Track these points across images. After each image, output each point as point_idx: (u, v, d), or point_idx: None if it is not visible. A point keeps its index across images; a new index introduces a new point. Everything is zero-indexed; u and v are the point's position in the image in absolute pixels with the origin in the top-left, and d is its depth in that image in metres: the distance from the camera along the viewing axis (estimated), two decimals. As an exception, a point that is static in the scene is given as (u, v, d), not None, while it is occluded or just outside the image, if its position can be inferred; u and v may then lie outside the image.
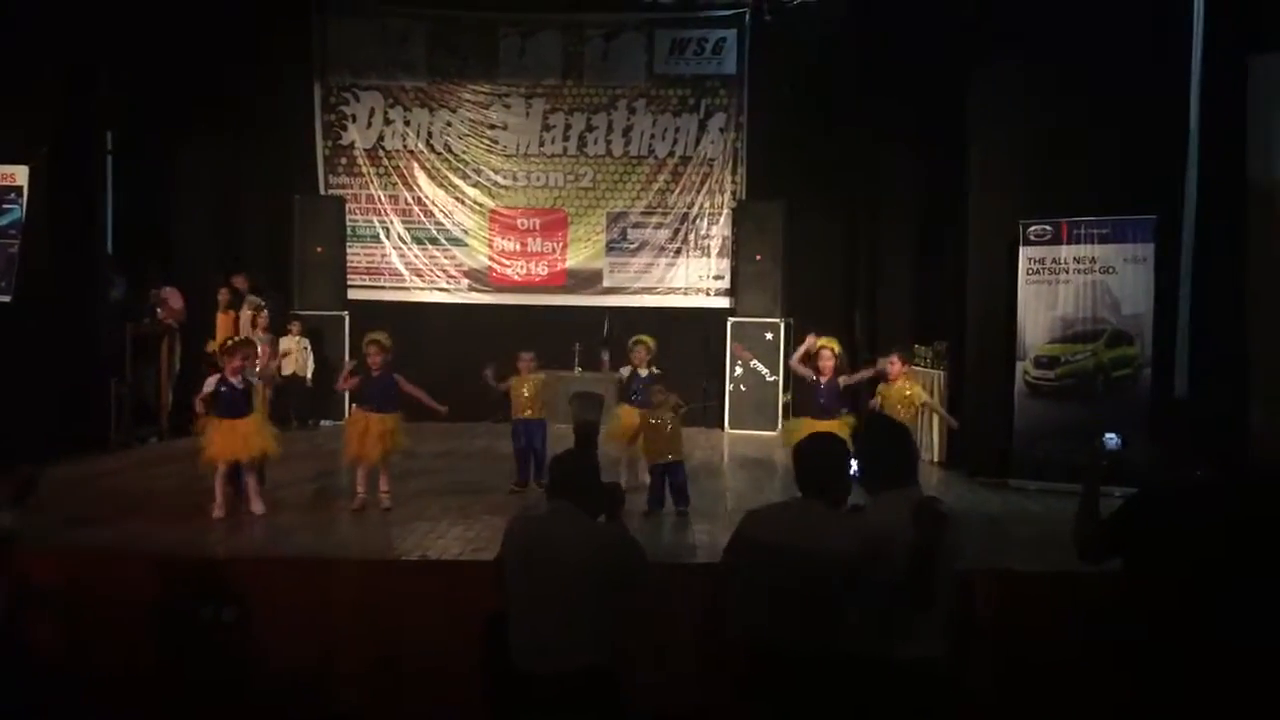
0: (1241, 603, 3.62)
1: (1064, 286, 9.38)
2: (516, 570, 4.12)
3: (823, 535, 3.82)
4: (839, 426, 7.60)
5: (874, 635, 3.81)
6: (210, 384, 7.85)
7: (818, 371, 8.62)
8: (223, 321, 12.17)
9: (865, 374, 9.11)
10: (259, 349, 8.96)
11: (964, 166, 10.12)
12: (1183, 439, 4.07)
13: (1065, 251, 9.38)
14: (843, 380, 8.61)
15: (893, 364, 8.64)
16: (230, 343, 8.20)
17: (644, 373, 9.12)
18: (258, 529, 7.54)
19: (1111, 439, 4.19)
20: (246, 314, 11.97)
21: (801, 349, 8.82)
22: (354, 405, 9.16)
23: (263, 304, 12.17)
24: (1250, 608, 3.62)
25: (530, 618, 4.06)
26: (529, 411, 9.13)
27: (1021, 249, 9.55)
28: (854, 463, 4.17)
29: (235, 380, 7.83)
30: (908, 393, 8.74)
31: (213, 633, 6.08)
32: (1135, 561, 3.84)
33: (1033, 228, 9.53)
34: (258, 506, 7.86)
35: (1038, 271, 9.50)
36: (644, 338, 9.29)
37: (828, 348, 8.64)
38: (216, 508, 7.72)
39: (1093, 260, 9.27)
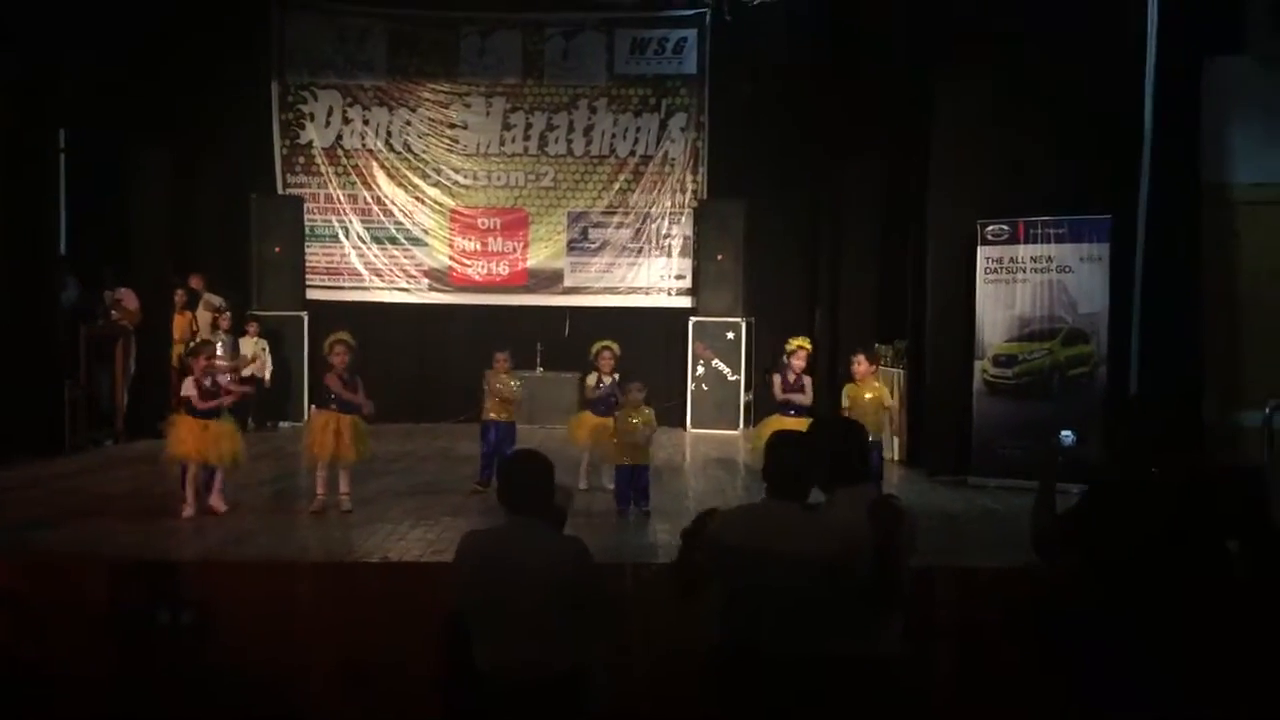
0: (1188, 596, 3.69)
1: (1021, 286, 9.47)
2: (476, 587, 4.02)
3: (801, 537, 3.82)
4: (800, 427, 7.62)
5: (842, 635, 3.83)
6: (189, 387, 7.81)
7: (789, 369, 8.71)
8: (179, 322, 12.06)
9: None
10: (217, 350, 8.88)
11: (923, 166, 10.19)
12: (1136, 436, 4.11)
13: (1022, 251, 9.47)
14: (806, 380, 8.71)
15: (859, 364, 8.68)
16: (192, 345, 8.16)
17: (608, 381, 9.06)
18: (216, 531, 7.45)
19: (1067, 436, 4.24)
20: (205, 314, 11.84)
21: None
22: (314, 405, 9.08)
23: (224, 305, 12.05)
24: (1196, 601, 3.69)
25: (492, 632, 3.99)
26: (501, 414, 9.07)
27: (979, 248, 9.63)
28: None
29: (205, 381, 7.79)
30: (872, 393, 8.76)
31: (171, 636, 6.02)
32: (1089, 557, 3.89)
33: (990, 227, 9.61)
34: (219, 504, 7.80)
35: (995, 271, 9.59)
36: (609, 343, 9.21)
37: (801, 347, 8.75)
38: (186, 507, 7.67)
39: (1049, 260, 9.37)
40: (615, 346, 9.22)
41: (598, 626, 4.12)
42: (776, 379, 8.90)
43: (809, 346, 8.95)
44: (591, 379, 9.23)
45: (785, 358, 8.92)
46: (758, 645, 3.84)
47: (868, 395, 8.66)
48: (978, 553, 6.99)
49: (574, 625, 4.02)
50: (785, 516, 3.92)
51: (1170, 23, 8.76)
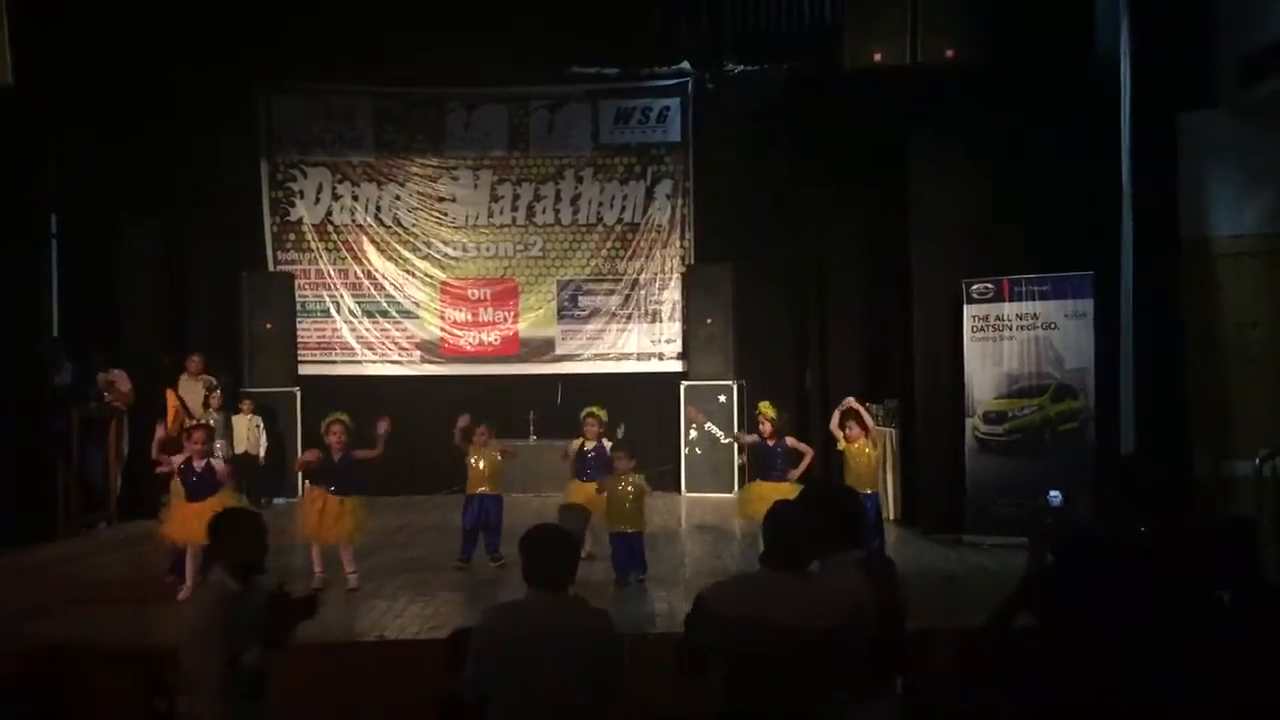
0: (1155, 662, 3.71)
1: (1008, 343, 9.56)
2: (503, 665, 3.91)
3: (796, 607, 3.82)
4: (790, 490, 7.66)
5: (840, 700, 3.83)
6: (177, 462, 7.88)
7: (760, 435, 8.78)
8: (172, 398, 12.04)
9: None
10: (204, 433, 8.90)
11: (906, 226, 10.32)
12: (1126, 494, 4.15)
13: (1008, 308, 9.58)
14: (790, 441, 8.74)
15: (850, 429, 8.72)
16: (186, 426, 8.20)
17: (591, 446, 9.11)
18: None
19: (1055, 496, 4.29)
20: (199, 393, 11.78)
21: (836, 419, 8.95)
22: (308, 483, 9.08)
23: (215, 383, 12.06)
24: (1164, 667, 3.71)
25: (521, 712, 3.93)
26: (485, 487, 9.06)
27: (965, 307, 9.73)
28: None
29: (197, 464, 7.80)
30: (868, 451, 8.78)
31: (167, 724, 5.97)
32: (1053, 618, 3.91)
33: (975, 285, 9.73)
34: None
35: (982, 329, 9.68)
36: (595, 410, 9.28)
37: (761, 413, 8.81)
38: (185, 590, 7.64)
39: (1035, 316, 9.47)
40: (601, 413, 9.27)
41: (612, 698, 4.08)
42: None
43: (770, 410, 8.95)
44: (575, 444, 9.26)
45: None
46: (758, 714, 3.84)
47: (866, 451, 8.68)
48: (976, 613, 6.97)
49: (593, 698, 3.99)
50: (779, 586, 3.93)
51: (1144, 78, 8.92)
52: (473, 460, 9.08)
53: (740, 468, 12.87)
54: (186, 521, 7.71)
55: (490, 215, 13.97)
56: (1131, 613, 3.75)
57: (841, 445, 8.68)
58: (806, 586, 3.95)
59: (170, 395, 11.73)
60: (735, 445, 12.80)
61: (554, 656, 3.87)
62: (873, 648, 3.76)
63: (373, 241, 13.95)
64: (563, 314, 13.96)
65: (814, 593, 3.94)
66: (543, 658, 3.87)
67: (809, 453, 8.87)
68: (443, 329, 13.95)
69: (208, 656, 4.21)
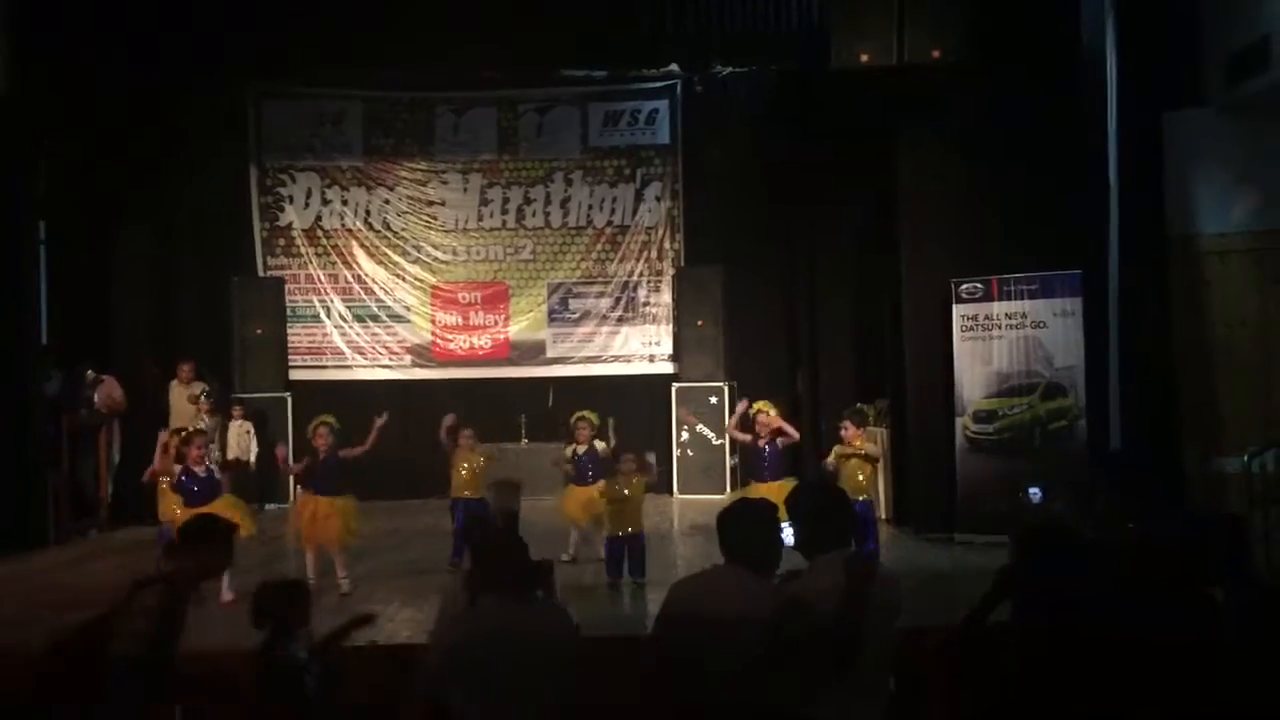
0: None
1: (997, 342, 9.59)
2: (470, 676, 3.98)
3: (738, 601, 3.82)
4: (780, 490, 7.66)
5: (806, 699, 3.83)
6: (176, 471, 7.92)
7: (756, 435, 8.77)
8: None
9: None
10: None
11: (895, 226, 10.34)
12: (1115, 492, 4.17)
13: (997, 308, 9.60)
14: (785, 426, 8.79)
15: (846, 429, 8.72)
16: (184, 434, 8.20)
17: (583, 449, 9.11)
18: (203, 621, 7.38)
19: (1035, 492, 4.30)
20: (188, 402, 11.76)
21: (736, 415, 9.00)
22: (299, 488, 9.09)
23: (206, 389, 12.03)
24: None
25: (496, 715, 3.97)
26: (468, 491, 9.06)
27: (954, 306, 9.76)
28: (787, 528, 4.18)
29: (198, 469, 7.80)
30: (862, 453, 8.77)
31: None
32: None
33: (964, 285, 9.75)
34: (227, 595, 7.75)
35: (971, 328, 9.71)
36: (587, 414, 9.29)
37: (763, 410, 8.80)
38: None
39: (1024, 315, 9.50)
40: (593, 416, 9.28)
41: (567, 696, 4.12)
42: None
43: (771, 409, 8.98)
44: (569, 450, 9.27)
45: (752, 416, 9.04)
46: (703, 708, 3.84)
47: (854, 456, 8.68)
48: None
49: (555, 697, 4.02)
50: (730, 580, 3.91)
51: (1130, 78, 8.97)
52: (455, 465, 9.08)
53: (733, 469, 12.88)
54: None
55: (480, 219, 13.97)
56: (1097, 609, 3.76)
57: (838, 454, 8.67)
58: (753, 580, 3.93)
59: (174, 396, 11.73)
60: (727, 447, 12.82)
61: (522, 655, 3.94)
62: (832, 644, 3.75)
63: (362, 246, 13.93)
64: (553, 317, 13.96)
65: (757, 586, 3.93)
66: (511, 657, 3.94)
67: (795, 436, 9.07)
68: (433, 333, 13.94)
69: None
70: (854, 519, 4.65)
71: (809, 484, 6.97)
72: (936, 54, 9.21)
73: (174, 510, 7.80)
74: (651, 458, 9.23)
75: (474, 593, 4.21)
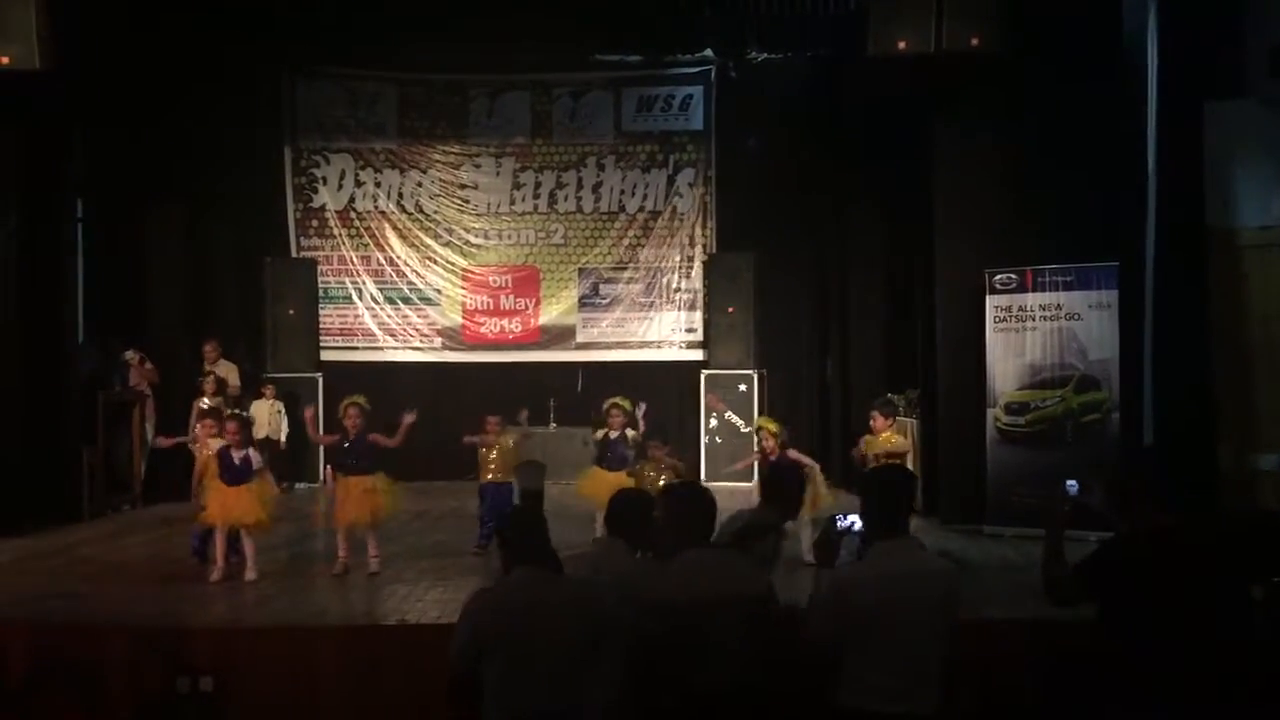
0: (1215, 640, 3.70)
1: (1031, 334, 9.50)
2: (499, 648, 4.01)
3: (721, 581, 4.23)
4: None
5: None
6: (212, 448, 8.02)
7: (763, 451, 8.64)
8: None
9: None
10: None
11: (929, 216, 10.26)
12: (1149, 484, 4.12)
13: (1031, 299, 9.51)
14: (792, 454, 8.57)
15: (875, 419, 8.67)
16: (227, 414, 8.33)
17: (615, 435, 9.10)
18: (235, 596, 7.48)
19: (1072, 485, 4.27)
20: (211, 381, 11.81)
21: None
22: (329, 468, 9.11)
23: (233, 369, 12.10)
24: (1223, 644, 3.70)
25: (520, 690, 4.01)
26: (497, 475, 9.06)
27: (988, 297, 9.67)
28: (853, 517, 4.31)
29: (236, 455, 7.88)
30: (892, 441, 8.69)
31: (191, 704, 6.03)
32: (1110, 606, 3.89)
33: (998, 276, 9.66)
34: (251, 574, 7.83)
35: (1005, 319, 9.62)
36: (620, 400, 9.23)
37: (764, 428, 8.70)
38: (216, 570, 7.75)
39: (1058, 307, 9.40)
40: (626, 404, 9.24)
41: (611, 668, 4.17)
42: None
43: (773, 426, 8.67)
44: (599, 434, 9.26)
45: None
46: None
47: (891, 441, 8.63)
48: (997, 604, 6.95)
49: (599, 672, 4.09)
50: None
51: (1171, 68, 8.84)
52: (484, 450, 9.10)
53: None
54: (225, 504, 7.81)
55: (512, 203, 13.98)
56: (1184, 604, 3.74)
57: (867, 446, 8.60)
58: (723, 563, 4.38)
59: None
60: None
61: (542, 629, 3.99)
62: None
63: (395, 228, 13.98)
64: (584, 302, 13.96)
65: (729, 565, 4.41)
66: (531, 631, 3.99)
67: (814, 466, 8.63)
68: (464, 316, 13.97)
69: None
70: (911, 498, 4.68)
71: (874, 471, 6.96)
72: (975, 41, 9.11)
73: (218, 509, 7.85)
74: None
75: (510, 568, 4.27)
